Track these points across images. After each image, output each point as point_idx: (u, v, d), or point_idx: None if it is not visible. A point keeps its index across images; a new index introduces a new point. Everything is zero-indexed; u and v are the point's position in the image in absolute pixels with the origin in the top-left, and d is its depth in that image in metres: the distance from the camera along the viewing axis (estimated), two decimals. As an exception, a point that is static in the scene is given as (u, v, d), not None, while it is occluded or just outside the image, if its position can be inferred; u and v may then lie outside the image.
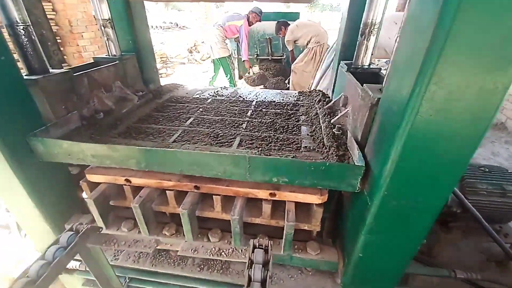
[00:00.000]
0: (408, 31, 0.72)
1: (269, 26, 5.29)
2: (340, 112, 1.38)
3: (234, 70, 5.76)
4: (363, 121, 1.00)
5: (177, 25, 17.67)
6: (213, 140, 1.24)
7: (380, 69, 1.39)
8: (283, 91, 2.01)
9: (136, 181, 1.17)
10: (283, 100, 1.81)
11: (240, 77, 6.01)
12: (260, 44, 5.65)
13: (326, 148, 1.13)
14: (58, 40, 5.02)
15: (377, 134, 0.84)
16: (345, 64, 1.47)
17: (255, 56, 5.74)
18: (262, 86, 5.21)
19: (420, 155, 0.70)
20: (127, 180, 1.18)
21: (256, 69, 5.68)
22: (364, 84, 1.06)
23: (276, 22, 4.87)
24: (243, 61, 5.32)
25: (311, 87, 3.70)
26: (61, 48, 5.09)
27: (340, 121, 1.26)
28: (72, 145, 1.04)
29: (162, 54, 9.14)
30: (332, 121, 1.29)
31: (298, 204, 1.10)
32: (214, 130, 1.33)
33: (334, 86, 1.68)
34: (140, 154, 1.01)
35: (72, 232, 0.96)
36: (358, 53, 1.40)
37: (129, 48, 1.77)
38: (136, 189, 1.24)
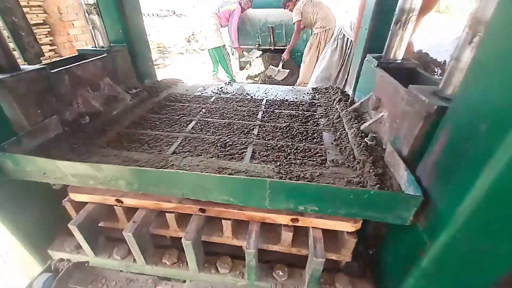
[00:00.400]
0: None
1: (272, 14, 4.96)
2: (370, 116, 1.17)
3: (230, 61, 5.45)
4: (412, 133, 0.79)
5: (174, 12, 17.07)
6: (220, 151, 1.04)
7: (417, 64, 1.17)
8: (295, 87, 1.79)
9: (129, 201, 0.97)
10: (296, 98, 1.59)
11: (241, 68, 5.73)
12: (262, 33, 5.33)
13: (359, 163, 0.93)
14: (48, 29, 4.71)
15: (444, 156, 0.64)
16: (373, 57, 1.25)
17: (257, 46, 5.43)
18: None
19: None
20: (118, 201, 0.98)
21: (256, 54, 5.37)
22: (410, 85, 0.85)
23: None
24: (234, 48, 5.05)
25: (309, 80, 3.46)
26: (51, 38, 4.78)
27: (372, 128, 1.06)
28: (46, 163, 0.84)
29: (158, 44, 8.76)
30: (362, 127, 1.08)
31: (325, 231, 0.91)
32: (220, 138, 1.12)
33: (356, 83, 1.46)
34: (132, 175, 0.80)
35: (50, 274, 0.77)
36: (391, 44, 1.18)
37: (119, 39, 1.54)
38: (130, 209, 1.04)
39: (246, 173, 0.91)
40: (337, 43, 2.62)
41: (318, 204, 0.75)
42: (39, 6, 4.45)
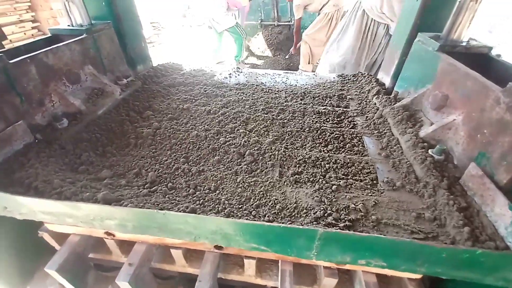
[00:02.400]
0: None
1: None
2: (428, 118, 0.91)
3: (245, 38, 4.98)
4: (523, 156, 0.55)
5: (167, -17, 15.84)
6: (239, 164, 0.80)
7: (491, 48, 0.90)
8: (316, 74, 1.50)
9: (122, 235, 0.76)
10: (321, 88, 1.32)
11: (247, 49, 5.28)
12: (264, 6, 4.83)
13: (426, 186, 0.70)
14: (28, 3, 4.24)
15: None
16: (429, 38, 0.96)
17: (259, 21, 4.94)
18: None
19: None
20: (108, 234, 0.76)
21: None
22: (511, 83, 0.60)
23: None
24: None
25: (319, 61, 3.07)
26: (33, 14, 4.32)
27: (437, 136, 0.81)
28: (4, 198, 0.60)
29: (151, 20, 8.13)
30: (421, 134, 0.83)
31: (379, 275, 0.71)
32: (237, 146, 0.88)
33: (398, 70, 1.19)
34: (122, 215, 0.57)
35: None
36: (456, 22, 0.90)
37: (102, 14, 1.22)
38: (126, 243, 0.83)
39: (277, 203, 0.68)
40: (357, 22, 2.21)
41: (388, 260, 0.53)
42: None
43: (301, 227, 0.52)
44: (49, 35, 1.14)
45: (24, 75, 0.86)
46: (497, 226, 0.57)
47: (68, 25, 1.14)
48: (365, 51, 2.21)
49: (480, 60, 0.89)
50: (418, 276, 0.66)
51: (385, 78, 1.29)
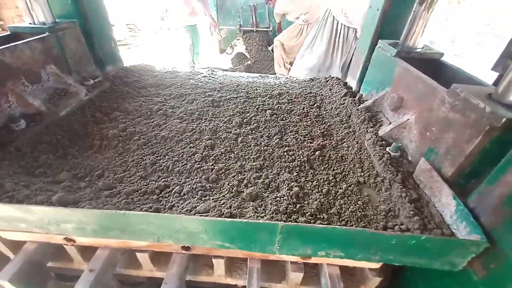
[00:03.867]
0: None
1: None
2: (387, 118, 0.98)
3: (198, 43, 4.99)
4: (463, 149, 0.61)
5: (145, -14, 15.52)
6: (207, 162, 0.80)
7: (442, 54, 0.99)
8: (291, 77, 1.55)
9: (83, 240, 0.72)
10: (296, 90, 1.36)
11: (222, 51, 5.31)
12: (243, 12, 4.92)
13: (383, 181, 0.75)
14: (-10, 0, 3.97)
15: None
16: (388, 44, 1.04)
17: (238, 26, 5.03)
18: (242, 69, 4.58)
19: None
20: (68, 239, 0.72)
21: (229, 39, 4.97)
22: (455, 84, 0.66)
23: None
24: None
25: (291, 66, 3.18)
26: (-5, 10, 4.05)
27: (393, 135, 0.87)
28: None
29: (128, 21, 7.90)
30: (380, 133, 0.89)
31: (342, 268, 0.74)
32: (203, 148, 0.88)
33: (362, 74, 1.26)
34: (80, 218, 0.55)
35: None
36: (412, 29, 0.97)
37: (67, 12, 1.18)
38: (87, 249, 0.80)
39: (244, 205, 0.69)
40: (328, 27, 2.34)
41: (345, 249, 0.56)
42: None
43: (262, 221, 0.54)
44: (8, 33, 1.08)
45: (-24, 73, 0.80)
46: (443, 215, 0.63)
47: (30, 23, 1.09)
48: (338, 54, 2.32)
49: (433, 65, 0.97)
50: (377, 265, 0.70)
51: (352, 81, 1.37)
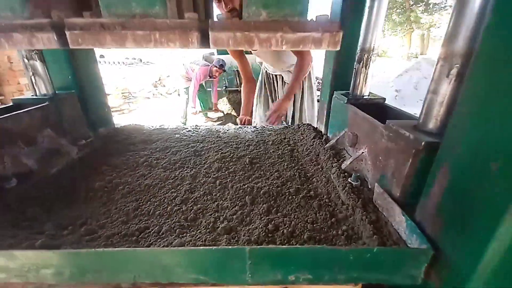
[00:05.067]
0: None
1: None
2: (349, 154, 1.11)
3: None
4: (402, 172, 0.72)
5: (141, 60, 17.34)
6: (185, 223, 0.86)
7: (384, 99, 1.19)
8: (267, 126, 1.73)
9: (60, 293, 0.72)
10: (272, 137, 1.51)
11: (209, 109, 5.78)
12: (228, 76, 5.59)
13: (347, 208, 0.82)
14: (-6, 79, 4.35)
15: (449, 199, 0.56)
16: (341, 94, 1.24)
17: (224, 88, 5.66)
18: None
19: None
20: (44, 294, 0.71)
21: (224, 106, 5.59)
22: (388, 121, 0.81)
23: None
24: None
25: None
26: (-3, 87, 4.40)
27: (354, 167, 0.98)
28: None
29: (123, 89, 8.59)
30: (343, 166, 1.00)
31: (321, 299, 0.74)
32: (186, 197, 0.95)
33: (327, 120, 1.44)
34: (60, 261, 0.59)
35: None
36: (356, 82, 1.19)
37: (67, 85, 1.37)
38: (64, 302, 0.78)
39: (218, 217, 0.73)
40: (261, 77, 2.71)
41: (312, 271, 0.60)
42: (-14, 55, 4.15)
43: (229, 247, 0.58)
44: (11, 104, 1.22)
45: (-22, 138, 0.90)
46: (399, 232, 0.69)
47: (32, 95, 1.25)
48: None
49: (378, 108, 1.15)
50: (353, 292, 0.72)
51: (321, 126, 1.54)
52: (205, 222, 0.78)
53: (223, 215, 0.81)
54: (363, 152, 0.95)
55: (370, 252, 0.57)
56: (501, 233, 0.44)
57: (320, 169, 1.09)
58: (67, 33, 0.55)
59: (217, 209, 0.84)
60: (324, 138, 1.32)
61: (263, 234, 0.72)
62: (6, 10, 0.56)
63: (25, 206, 0.85)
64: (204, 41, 0.54)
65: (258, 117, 2.73)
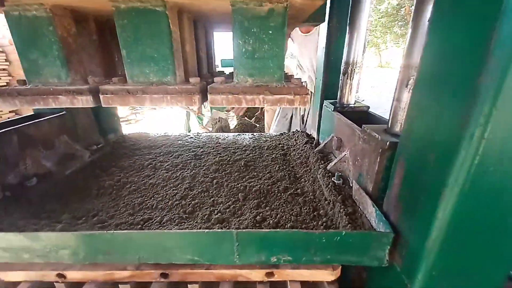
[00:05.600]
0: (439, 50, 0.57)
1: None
2: (335, 156, 1.21)
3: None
4: (373, 169, 0.82)
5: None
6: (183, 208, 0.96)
7: (368, 107, 1.29)
8: (264, 133, 1.84)
9: (74, 275, 0.82)
10: (268, 143, 1.62)
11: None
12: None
13: (329, 203, 0.92)
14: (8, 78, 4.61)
15: (404, 188, 0.65)
16: (330, 103, 1.36)
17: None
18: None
19: (484, 218, 0.51)
20: (60, 276, 0.82)
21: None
22: (363, 125, 0.92)
23: None
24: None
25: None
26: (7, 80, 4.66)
27: (338, 167, 1.08)
28: (-32, 237, 0.70)
29: (131, 101, 8.85)
30: (328, 167, 1.10)
31: (304, 283, 0.83)
32: (186, 194, 1.06)
33: (318, 126, 1.55)
34: (76, 242, 0.69)
35: None
36: (342, 92, 1.31)
37: (82, 96, 1.52)
38: (75, 284, 0.88)
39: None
40: None
41: (291, 253, 0.69)
42: (4, 69, 4.41)
43: (219, 231, 0.68)
44: (32, 113, 1.37)
45: (6, 142, 1.04)
46: (371, 222, 0.78)
47: (51, 105, 1.40)
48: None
49: (362, 116, 1.26)
50: (332, 276, 0.80)
51: (313, 132, 1.65)
52: (201, 214, 0.88)
53: (217, 209, 0.91)
54: (345, 154, 1.05)
55: (339, 235, 0.66)
56: (439, 212, 0.54)
57: (309, 170, 1.19)
58: (101, 96, 0.74)
59: (213, 204, 0.95)
60: (314, 143, 1.42)
61: (252, 224, 0.82)
62: (53, 77, 0.74)
63: (44, 201, 0.97)
64: (204, 101, 0.73)
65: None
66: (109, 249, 0.70)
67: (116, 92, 0.72)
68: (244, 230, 0.68)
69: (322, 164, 1.15)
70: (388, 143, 0.75)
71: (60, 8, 0.71)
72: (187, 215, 0.88)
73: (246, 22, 0.68)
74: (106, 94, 0.73)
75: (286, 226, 0.82)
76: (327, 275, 0.80)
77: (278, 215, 0.87)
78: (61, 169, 1.18)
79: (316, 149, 1.31)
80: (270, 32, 0.68)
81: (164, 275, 0.82)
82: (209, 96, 0.71)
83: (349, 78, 1.27)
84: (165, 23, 0.67)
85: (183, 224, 0.83)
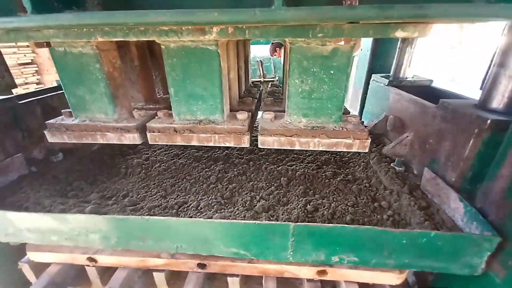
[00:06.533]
0: None
1: (259, 49, 5.20)
2: (388, 139, 1.04)
3: None
4: (460, 154, 0.65)
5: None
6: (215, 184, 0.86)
7: (432, 81, 1.09)
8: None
9: (105, 260, 0.75)
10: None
11: None
12: (251, 67, 5.54)
13: (391, 193, 0.77)
14: (35, 68, 4.66)
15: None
16: (381, 77, 1.16)
17: (247, 78, 5.60)
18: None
19: None
20: (90, 259, 0.75)
21: None
22: (442, 100, 0.74)
23: (270, 43, 4.78)
24: None
25: None
26: (38, 77, 4.72)
27: (396, 152, 0.92)
28: (-7, 215, 0.63)
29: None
30: (384, 151, 0.94)
31: (361, 285, 0.71)
32: (221, 176, 0.95)
33: (362, 105, 1.37)
34: (108, 226, 0.61)
35: None
36: (399, 63, 1.10)
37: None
38: (106, 269, 0.82)
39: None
40: None
41: (359, 253, 0.57)
42: (27, 46, 4.44)
43: (273, 223, 0.57)
44: (56, 85, 1.29)
45: (29, 114, 0.96)
46: (455, 220, 0.63)
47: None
48: None
49: (424, 91, 1.07)
50: (397, 280, 0.67)
51: (353, 112, 1.47)
52: (242, 200, 0.77)
53: (259, 195, 0.80)
54: (407, 136, 0.89)
55: (427, 237, 0.53)
56: None
57: (357, 154, 1.03)
58: (148, 134, 0.70)
59: (252, 188, 0.83)
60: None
61: (303, 214, 0.69)
62: (100, 112, 0.71)
63: (71, 178, 0.90)
64: (253, 142, 0.65)
65: None
66: (144, 236, 0.61)
67: (163, 130, 0.69)
68: (302, 223, 0.55)
69: (374, 147, 0.99)
70: (489, 121, 0.58)
71: (106, 43, 0.65)
72: (225, 201, 0.77)
73: (305, 62, 0.60)
74: (153, 132, 0.70)
75: (344, 218, 0.69)
76: (391, 278, 0.67)
77: (332, 205, 0.74)
78: (87, 144, 1.10)
79: (364, 130, 1.14)
80: (332, 72, 0.60)
81: (201, 266, 0.73)
82: (259, 138, 0.66)
83: (410, 45, 1.06)
84: (216, 62, 0.61)
85: (222, 210, 0.72)
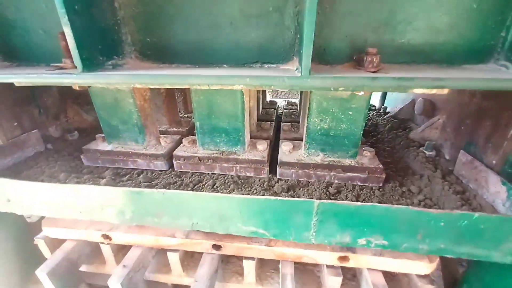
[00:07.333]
0: None
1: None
2: (415, 123, 0.97)
3: None
4: (504, 134, 0.59)
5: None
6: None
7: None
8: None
9: (119, 237, 0.74)
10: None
11: None
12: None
13: (421, 178, 0.71)
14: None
15: None
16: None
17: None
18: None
19: None
20: (105, 237, 0.74)
21: None
22: (483, 76, 0.67)
23: None
24: None
25: None
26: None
27: (426, 136, 0.86)
28: (9, 185, 0.62)
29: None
30: (411, 135, 0.88)
31: (385, 273, 0.67)
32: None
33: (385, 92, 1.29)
34: (123, 199, 0.59)
35: None
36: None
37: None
38: (120, 248, 0.81)
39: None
40: None
41: (389, 236, 0.52)
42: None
43: (296, 199, 0.53)
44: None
45: (47, 91, 0.96)
46: (495, 205, 0.57)
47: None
48: None
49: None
50: (427, 270, 0.62)
51: (373, 100, 1.40)
52: (259, 181, 0.73)
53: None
54: (439, 119, 0.82)
55: (469, 219, 0.47)
56: None
57: (381, 139, 0.97)
58: (175, 162, 0.76)
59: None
60: (382, 110, 1.19)
61: (325, 196, 0.65)
62: (131, 140, 0.78)
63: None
64: (272, 173, 0.73)
65: None
66: (159, 211, 0.59)
67: (188, 159, 0.75)
68: (328, 201, 0.51)
69: (400, 131, 0.93)
70: (543, 95, 0.52)
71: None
72: (241, 180, 0.74)
73: (325, 103, 0.62)
74: (179, 160, 0.76)
75: (370, 202, 0.64)
76: (420, 267, 0.62)
77: (356, 188, 0.69)
78: (102, 125, 1.09)
79: (387, 116, 1.07)
80: (350, 113, 0.63)
81: (216, 247, 0.70)
82: (278, 170, 0.71)
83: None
84: (240, 99, 0.66)
85: (239, 189, 0.69)
